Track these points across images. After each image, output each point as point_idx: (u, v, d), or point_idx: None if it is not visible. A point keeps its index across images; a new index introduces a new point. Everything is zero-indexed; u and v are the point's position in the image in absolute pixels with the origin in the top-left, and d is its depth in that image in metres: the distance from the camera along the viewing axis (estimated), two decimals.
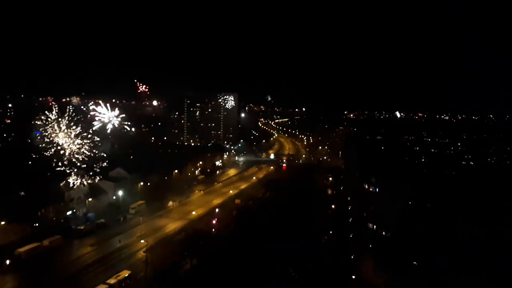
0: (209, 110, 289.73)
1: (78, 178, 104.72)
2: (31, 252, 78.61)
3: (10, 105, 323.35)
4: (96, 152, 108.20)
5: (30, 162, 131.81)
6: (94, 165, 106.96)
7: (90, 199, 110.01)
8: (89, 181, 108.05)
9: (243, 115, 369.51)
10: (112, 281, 68.42)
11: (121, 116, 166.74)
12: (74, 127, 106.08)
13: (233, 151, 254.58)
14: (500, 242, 69.21)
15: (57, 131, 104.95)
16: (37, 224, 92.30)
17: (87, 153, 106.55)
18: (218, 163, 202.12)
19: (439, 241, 73.86)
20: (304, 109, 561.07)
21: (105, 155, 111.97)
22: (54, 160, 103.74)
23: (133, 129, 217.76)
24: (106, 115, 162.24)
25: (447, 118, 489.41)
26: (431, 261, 71.17)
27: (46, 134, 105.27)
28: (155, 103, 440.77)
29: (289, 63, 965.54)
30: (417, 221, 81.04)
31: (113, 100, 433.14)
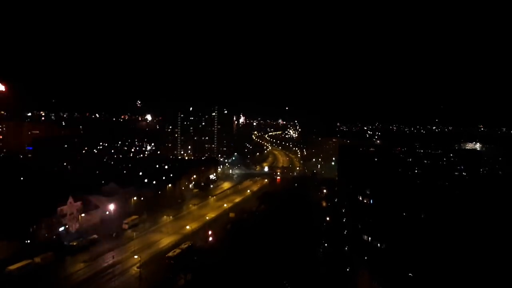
0: (203, 123, 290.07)
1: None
2: (22, 270, 77.41)
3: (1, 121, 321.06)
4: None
5: (22, 178, 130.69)
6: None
7: (83, 215, 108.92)
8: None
9: (236, 128, 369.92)
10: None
11: None
12: None
13: (227, 164, 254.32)
14: (495, 252, 69.39)
15: None
16: (28, 241, 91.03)
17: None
18: (212, 176, 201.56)
19: (434, 252, 73.91)
20: (296, 121, 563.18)
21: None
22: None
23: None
24: None
25: (438, 130, 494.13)
26: (426, 272, 71.11)
27: None
28: (149, 117, 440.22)
29: (281, 76, 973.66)
30: (412, 232, 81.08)
31: (101, 115, 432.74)
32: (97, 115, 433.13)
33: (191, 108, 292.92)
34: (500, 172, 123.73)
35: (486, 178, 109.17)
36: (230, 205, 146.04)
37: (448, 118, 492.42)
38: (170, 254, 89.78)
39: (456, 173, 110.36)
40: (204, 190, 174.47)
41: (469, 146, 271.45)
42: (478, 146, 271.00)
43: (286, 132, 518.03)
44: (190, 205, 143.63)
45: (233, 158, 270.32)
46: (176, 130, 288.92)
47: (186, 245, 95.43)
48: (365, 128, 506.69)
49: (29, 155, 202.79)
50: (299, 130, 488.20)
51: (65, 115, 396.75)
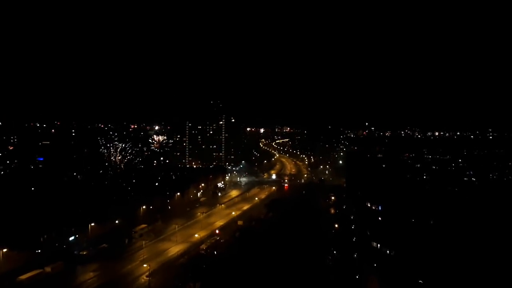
0: (211, 132, 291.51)
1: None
2: (33, 279, 78.11)
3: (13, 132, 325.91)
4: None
5: (33, 188, 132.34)
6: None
7: (92, 224, 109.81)
8: None
9: (244, 136, 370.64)
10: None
11: None
12: None
13: (235, 172, 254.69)
14: (505, 259, 68.60)
15: None
16: (39, 250, 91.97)
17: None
18: (220, 184, 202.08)
19: (444, 258, 73.27)
20: (304, 130, 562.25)
21: None
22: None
23: None
24: None
25: (446, 135, 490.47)
26: (436, 279, 70.49)
27: None
28: (157, 127, 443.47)
29: (288, 83, 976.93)
30: (421, 239, 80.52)
31: (110, 125, 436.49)
32: (103, 125, 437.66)
33: (198, 117, 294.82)
34: (510, 177, 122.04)
35: (496, 184, 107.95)
36: (238, 213, 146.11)
37: (457, 122, 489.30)
38: (203, 246, 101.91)
39: (465, 179, 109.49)
40: (212, 198, 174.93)
41: (478, 151, 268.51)
42: (487, 151, 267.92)
43: (294, 139, 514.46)
44: (199, 213, 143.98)
45: (241, 166, 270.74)
46: (184, 139, 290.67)
47: (213, 240, 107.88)
48: (373, 134, 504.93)
49: (40, 166, 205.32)
50: (307, 137, 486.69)
51: (74, 125, 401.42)
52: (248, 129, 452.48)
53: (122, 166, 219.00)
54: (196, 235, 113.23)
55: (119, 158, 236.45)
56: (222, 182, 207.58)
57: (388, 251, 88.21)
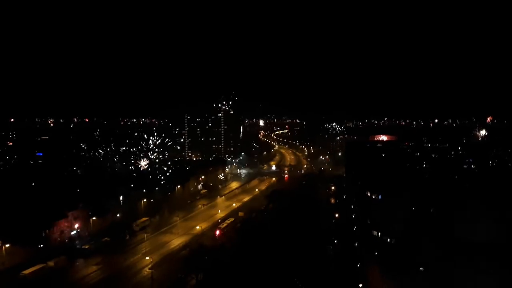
0: (210, 124, 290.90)
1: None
2: (36, 274, 78.55)
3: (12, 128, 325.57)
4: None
5: (33, 183, 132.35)
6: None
7: (94, 218, 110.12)
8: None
9: (243, 128, 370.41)
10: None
11: None
12: None
13: (234, 164, 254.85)
14: (505, 245, 68.97)
15: None
16: (41, 245, 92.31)
17: None
18: (220, 176, 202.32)
19: (445, 246, 73.66)
20: (303, 121, 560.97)
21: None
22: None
23: None
24: None
25: (445, 123, 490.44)
26: (437, 266, 70.94)
27: None
28: (155, 120, 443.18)
29: (287, 74, 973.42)
30: (421, 226, 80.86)
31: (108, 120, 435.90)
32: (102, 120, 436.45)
33: (197, 109, 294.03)
34: (510, 164, 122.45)
35: (495, 171, 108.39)
36: (238, 204, 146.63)
37: (456, 110, 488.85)
38: (221, 225, 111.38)
39: (464, 166, 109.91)
40: (213, 190, 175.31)
41: (478, 138, 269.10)
42: (486, 138, 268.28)
43: (293, 130, 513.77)
44: (199, 206, 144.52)
45: (241, 157, 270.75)
46: (183, 131, 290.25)
47: (230, 221, 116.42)
48: (372, 123, 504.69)
49: (40, 161, 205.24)
50: (306, 128, 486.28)
51: (75, 120, 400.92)
52: (247, 120, 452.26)
53: (122, 160, 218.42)
54: (198, 227, 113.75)
55: (119, 152, 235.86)
56: (222, 174, 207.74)
57: (388, 240, 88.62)
